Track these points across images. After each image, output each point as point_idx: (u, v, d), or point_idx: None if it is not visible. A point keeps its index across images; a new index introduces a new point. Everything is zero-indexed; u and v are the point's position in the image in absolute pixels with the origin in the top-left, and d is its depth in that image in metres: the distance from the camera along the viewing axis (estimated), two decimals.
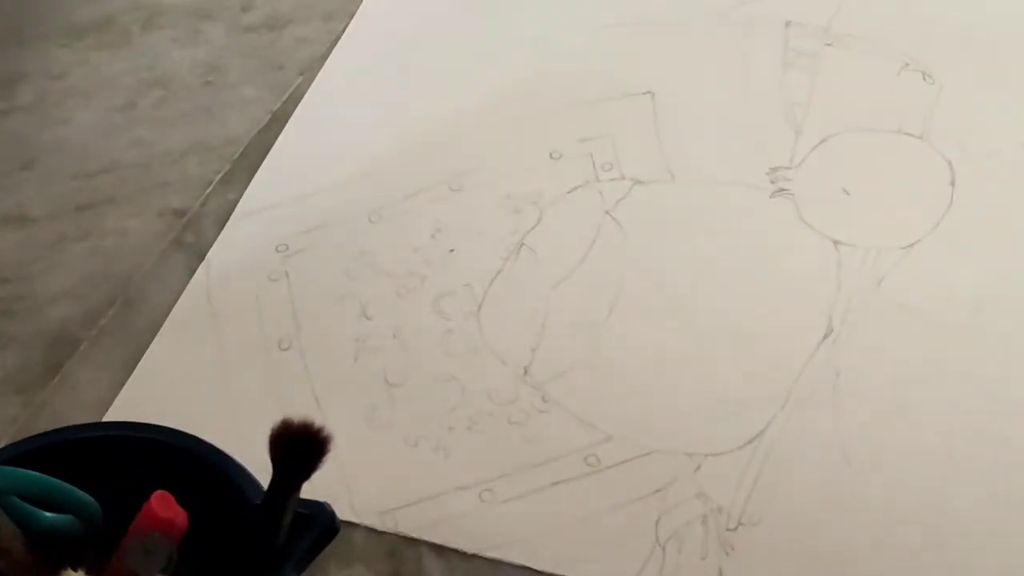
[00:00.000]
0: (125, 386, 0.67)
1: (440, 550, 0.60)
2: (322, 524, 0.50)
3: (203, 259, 0.73)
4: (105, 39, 0.88)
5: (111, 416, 0.65)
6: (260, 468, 0.49)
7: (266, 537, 0.48)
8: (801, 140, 0.76)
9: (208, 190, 0.78)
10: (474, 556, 0.60)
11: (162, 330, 0.69)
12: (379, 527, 0.61)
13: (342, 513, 0.60)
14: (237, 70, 0.86)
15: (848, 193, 0.73)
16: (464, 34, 0.83)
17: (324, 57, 0.85)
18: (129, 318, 0.71)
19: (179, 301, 0.71)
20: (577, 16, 0.80)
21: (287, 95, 0.83)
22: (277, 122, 0.81)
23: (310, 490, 0.61)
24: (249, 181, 0.78)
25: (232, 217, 0.75)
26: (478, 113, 0.80)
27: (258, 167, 0.78)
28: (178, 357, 0.68)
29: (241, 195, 0.77)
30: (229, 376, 0.67)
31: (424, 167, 0.77)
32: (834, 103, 0.78)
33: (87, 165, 0.80)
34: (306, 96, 0.82)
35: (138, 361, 0.68)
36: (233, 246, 0.74)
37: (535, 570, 0.59)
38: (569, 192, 0.75)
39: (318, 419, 0.63)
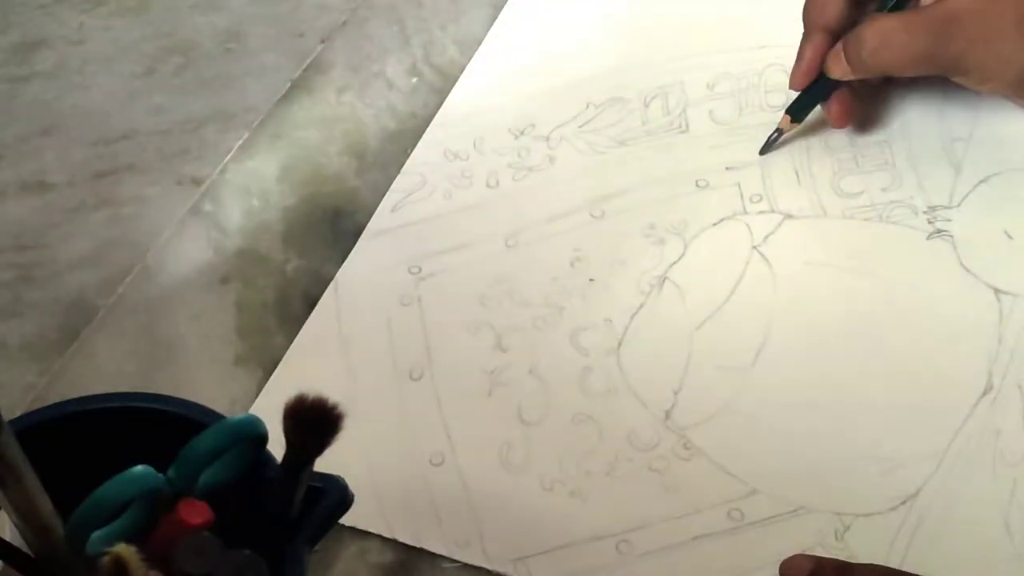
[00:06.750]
0: (251, 409, 0.65)
1: None
2: (335, 498, 0.49)
3: (221, 228, 0.73)
4: (125, 5, 0.88)
5: None
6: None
7: (279, 511, 0.48)
8: (961, 178, 0.72)
9: (227, 158, 0.77)
10: None
11: (289, 351, 0.67)
12: (512, 574, 0.58)
13: (474, 559, 0.59)
14: (257, 37, 0.85)
15: (1011, 237, 0.69)
16: (607, 51, 0.80)
17: (345, 24, 0.85)
18: (147, 286, 0.71)
19: (307, 323, 0.69)
20: (727, 40, 0.77)
21: (307, 63, 0.83)
22: (297, 90, 0.81)
23: (446, 531, 0.59)
24: (268, 150, 0.77)
25: (363, 235, 0.73)
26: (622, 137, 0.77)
27: (278, 136, 0.78)
28: (306, 381, 0.66)
29: (260, 164, 0.77)
30: (358, 404, 0.64)
31: (565, 191, 0.74)
32: (997, 140, 0.74)
33: (106, 132, 0.80)
34: (440, 111, 0.79)
35: (155, 330, 0.69)
36: (364, 266, 0.71)
37: None
38: (715, 224, 0.71)
39: (450, 456, 0.62)
